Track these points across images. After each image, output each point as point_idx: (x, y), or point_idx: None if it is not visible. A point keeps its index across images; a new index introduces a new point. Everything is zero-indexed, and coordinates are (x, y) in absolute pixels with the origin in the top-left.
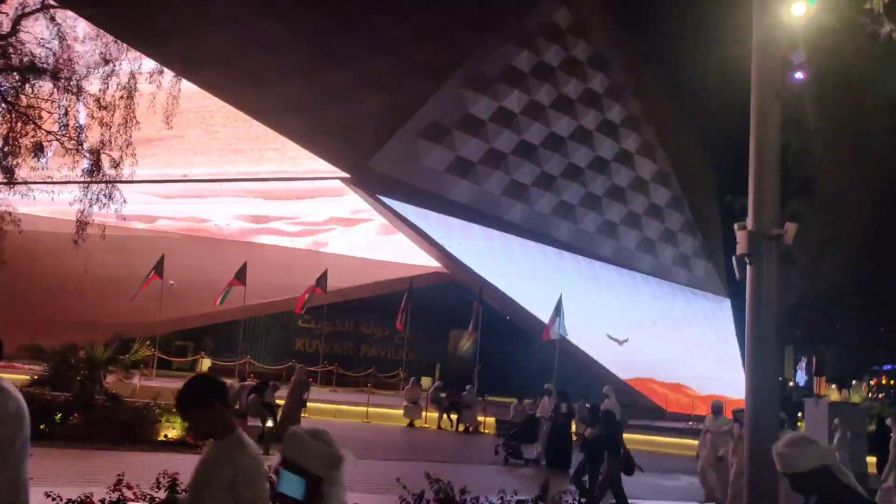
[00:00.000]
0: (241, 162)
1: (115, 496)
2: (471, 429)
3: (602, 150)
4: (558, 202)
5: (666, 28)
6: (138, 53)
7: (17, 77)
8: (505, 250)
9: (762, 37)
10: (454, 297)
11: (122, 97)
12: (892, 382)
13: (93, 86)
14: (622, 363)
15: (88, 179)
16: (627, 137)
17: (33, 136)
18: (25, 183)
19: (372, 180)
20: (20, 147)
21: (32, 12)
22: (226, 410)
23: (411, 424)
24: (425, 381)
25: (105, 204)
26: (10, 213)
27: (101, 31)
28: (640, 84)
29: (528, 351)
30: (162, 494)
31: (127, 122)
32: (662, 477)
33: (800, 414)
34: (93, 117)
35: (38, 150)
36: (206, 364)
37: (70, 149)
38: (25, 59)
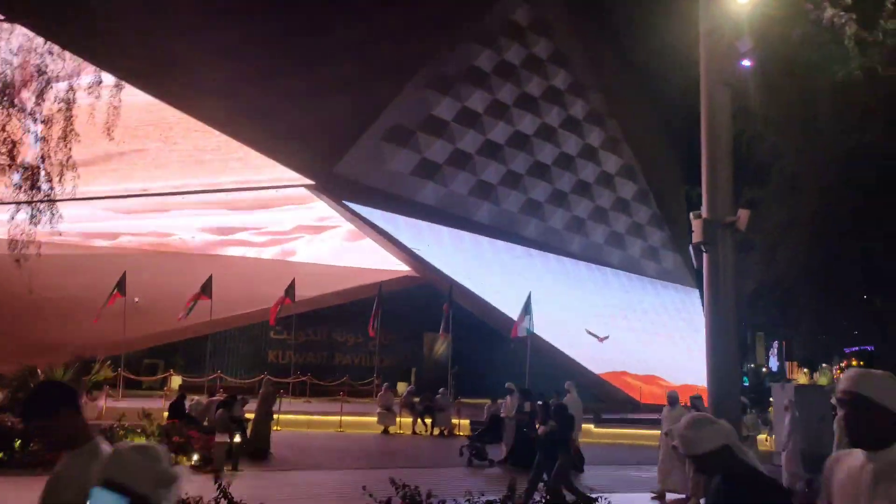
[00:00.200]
0: (203, 173)
1: None
2: (445, 432)
3: (567, 146)
4: (526, 200)
5: (624, 20)
6: (79, 67)
7: None
8: (474, 251)
9: (709, 26)
10: (426, 300)
11: (59, 111)
12: (860, 364)
13: (47, 101)
14: (595, 358)
15: (36, 198)
16: (592, 133)
17: None
18: None
19: (337, 186)
20: None
21: None
22: (76, 417)
23: (386, 431)
24: (401, 387)
25: (44, 221)
26: None
27: (50, 43)
28: (602, 79)
29: (504, 351)
30: None
31: (66, 136)
32: (638, 469)
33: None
34: (31, 132)
35: None
36: (176, 381)
37: (8, 166)
38: None
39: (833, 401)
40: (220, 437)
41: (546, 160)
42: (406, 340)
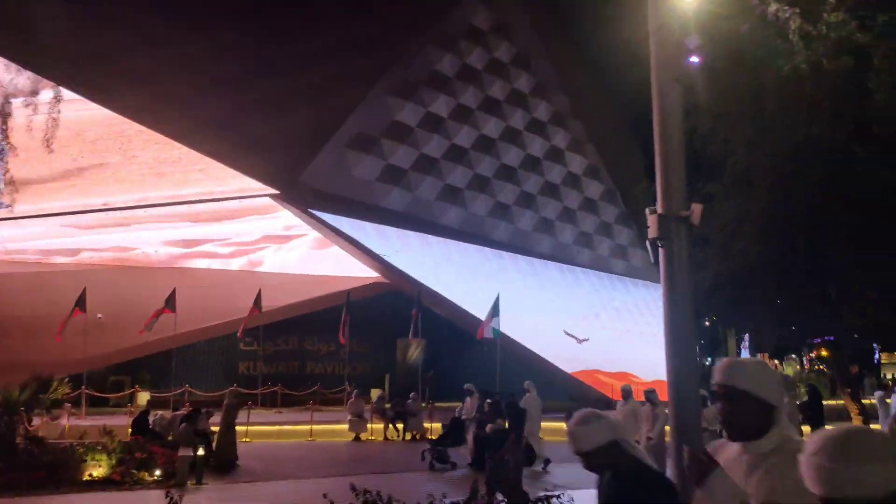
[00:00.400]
0: (164, 185)
1: None
2: (418, 436)
3: (533, 148)
4: (493, 203)
5: (580, 18)
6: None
7: None
8: (443, 255)
9: (657, 23)
10: (398, 305)
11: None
12: (826, 354)
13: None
14: (567, 357)
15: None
16: (557, 134)
17: None
18: None
19: (303, 195)
20: None
21: None
22: None
23: (357, 438)
24: (374, 393)
25: None
26: None
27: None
28: (565, 80)
29: (478, 353)
30: None
31: (2, 151)
32: None
33: None
34: None
35: None
36: (143, 397)
37: None
38: None
39: (703, 391)
40: (184, 451)
41: (512, 163)
42: (379, 347)
